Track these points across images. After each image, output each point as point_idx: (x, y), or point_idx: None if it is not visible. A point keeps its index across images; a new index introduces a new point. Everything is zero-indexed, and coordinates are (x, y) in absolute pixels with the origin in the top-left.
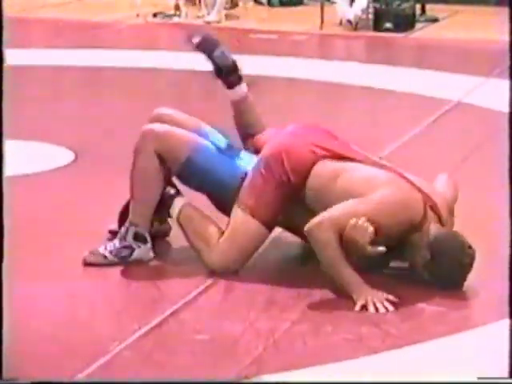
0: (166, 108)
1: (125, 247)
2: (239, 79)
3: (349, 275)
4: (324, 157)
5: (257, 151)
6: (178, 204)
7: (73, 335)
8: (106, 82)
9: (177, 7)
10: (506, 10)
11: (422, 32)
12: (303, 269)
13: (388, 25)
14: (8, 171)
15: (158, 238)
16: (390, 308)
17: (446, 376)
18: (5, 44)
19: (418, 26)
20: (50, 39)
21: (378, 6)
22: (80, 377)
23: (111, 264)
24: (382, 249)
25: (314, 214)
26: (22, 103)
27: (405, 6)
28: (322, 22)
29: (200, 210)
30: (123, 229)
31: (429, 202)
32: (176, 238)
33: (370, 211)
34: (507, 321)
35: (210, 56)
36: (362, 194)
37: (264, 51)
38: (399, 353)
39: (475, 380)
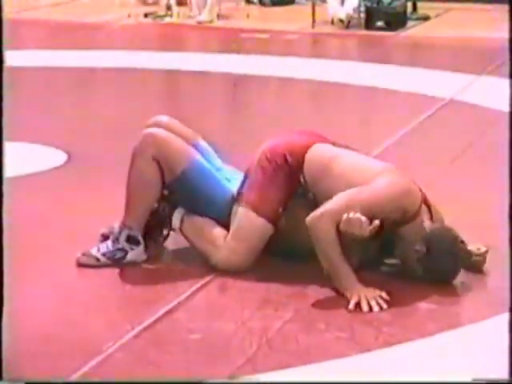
0: (164, 116)
1: (118, 249)
2: None
3: (344, 272)
4: (320, 141)
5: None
6: (178, 215)
7: (67, 335)
8: (99, 83)
9: (168, 7)
10: (497, 7)
11: (413, 30)
12: (296, 268)
13: (379, 23)
14: None
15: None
16: (384, 306)
17: (439, 374)
18: (5, 46)
19: (410, 24)
20: (41, 40)
21: (369, 4)
22: (74, 377)
23: (104, 265)
24: (377, 222)
25: (315, 207)
26: (14, 104)
27: (396, 4)
28: (314, 20)
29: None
30: (117, 230)
31: (423, 195)
32: (169, 239)
33: (373, 199)
34: (500, 317)
35: None
36: (361, 181)
37: (256, 50)
38: (392, 351)
39: (470, 380)
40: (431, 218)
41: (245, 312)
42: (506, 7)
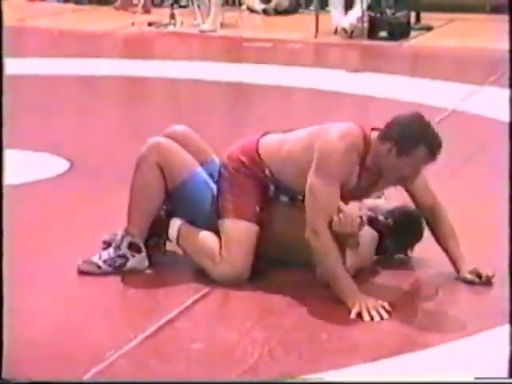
0: (181, 126)
1: (119, 256)
2: None
3: (345, 283)
4: (266, 134)
5: None
6: (174, 226)
7: (68, 343)
8: (102, 91)
9: (172, 16)
10: (500, 18)
11: (416, 40)
12: (298, 277)
13: (383, 33)
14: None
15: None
16: (385, 316)
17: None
18: (5, 54)
19: (413, 34)
20: (44, 49)
21: (372, 14)
22: None
23: (106, 273)
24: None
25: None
26: (17, 112)
27: (399, 14)
28: (317, 30)
29: (196, 228)
30: (119, 238)
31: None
32: (170, 246)
33: (327, 177)
34: (501, 328)
35: None
36: (306, 161)
37: (259, 60)
38: (394, 361)
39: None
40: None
41: (247, 322)
42: (508, 18)
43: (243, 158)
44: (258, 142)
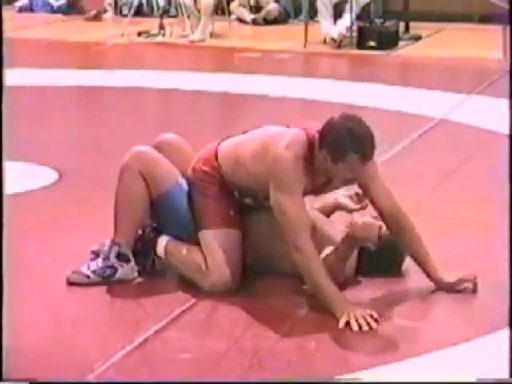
0: (171, 134)
1: (108, 267)
2: None
3: (332, 294)
4: (222, 141)
5: None
6: (161, 243)
7: (56, 354)
8: (91, 101)
9: (161, 26)
10: (488, 28)
11: (405, 50)
12: (286, 287)
13: (371, 43)
14: None
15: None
16: (374, 325)
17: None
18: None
19: (402, 43)
20: (33, 59)
21: (361, 24)
22: None
23: (95, 283)
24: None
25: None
26: (6, 123)
27: (388, 24)
28: (306, 40)
29: (182, 243)
30: (106, 248)
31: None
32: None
33: (286, 189)
34: (494, 335)
35: None
36: (259, 168)
37: (248, 70)
38: (383, 370)
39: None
40: None
41: (235, 331)
42: (497, 28)
43: (205, 168)
44: (217, 148)
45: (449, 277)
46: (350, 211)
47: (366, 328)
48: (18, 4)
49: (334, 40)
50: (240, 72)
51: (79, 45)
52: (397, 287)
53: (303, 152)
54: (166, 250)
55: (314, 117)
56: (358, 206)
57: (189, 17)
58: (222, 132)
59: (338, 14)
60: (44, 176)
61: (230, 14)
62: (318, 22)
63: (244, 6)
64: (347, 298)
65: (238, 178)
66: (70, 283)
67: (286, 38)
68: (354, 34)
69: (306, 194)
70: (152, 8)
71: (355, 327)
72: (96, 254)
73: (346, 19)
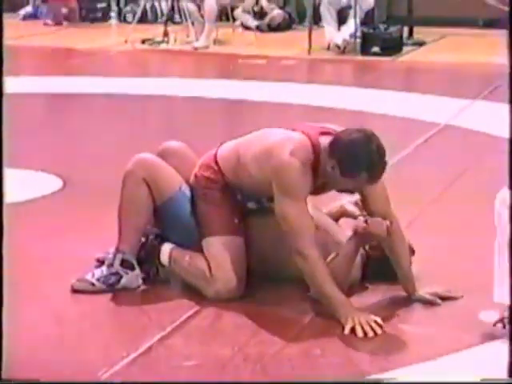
0: (175, 142)
1: (112, 274)
2: None
3: (338, 300)
4: (220, 145)
5: None
6: (165, 251)
7: (61, 361)
8: (95, 109)
9: (165, 33)
10: (493, 32)
11: (409, 55)
12: (290, 293)
13: (376, 49)
14: None
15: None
16: (378, 331)
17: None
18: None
19: (406, 49)
20: (37, 67)
21: (365, 30)
22: None
23: (99, 291)
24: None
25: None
26: (9, 131)
27: (392, 29)
28: (310, 46)
29: (186, 250)
30: (111, 255)
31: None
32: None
33: (291, 196)
34: (495, 343)
35: None
36: (260, 172)
37: (252, 76)
38: (388, 376)
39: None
40: None
41: (239, 338)
42: (501, 32)
43: (206, 173)
44: (216, 153)
45: (423, 293)
46: (356, 218)
47: (371, 334)
48: (21, 12)
49: (338, 46)
50: (244, 78)
51: (83, 52)
52: (402, 293)
53: (308, 158)
54: (170, 258)
55: (320, 123)
56: (364, 213)
57: (193, 23)
58: (226, 139)
59: (342, 19)
60: (48, 183)
61: (234, 20)
62: (322, 27)
63: (248, 13)
64: (353, 304)
65: (239, 179)
66: (75, 291)
67: (290, 44)
68: (358, 40)
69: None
70: (156, 15)
71: (360, 333)
72: (101, 262)
73: (350, 25)
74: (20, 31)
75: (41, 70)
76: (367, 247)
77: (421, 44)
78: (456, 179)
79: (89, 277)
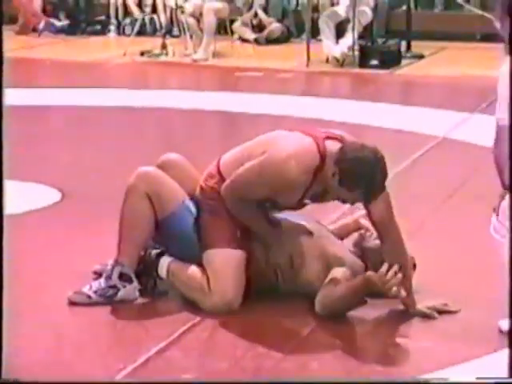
0: (174, 154)
1: (110, 287)
2: None
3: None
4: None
5: None
6: (164, 263)
7: (58, 374)
8: (94, 121)
9: (163, 46)
10: (490, 46)
11: (407, 68)
12: (288, 306)
13: (374, 62)
14: None
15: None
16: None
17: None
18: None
19: (404, 62)
20: (37, 79)
21: (363, 43)
22: None
23: (97, 303)
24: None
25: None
26: (8, 143)
27: (390, 43)
28: (309, 59)
29: (184, 263)
30: (109, 268)
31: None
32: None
33: (263, 176)
34: (494, 355)
35: None
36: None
37: (250, 89)
38: None
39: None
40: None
41: (237, 351)
42: (498, 46)
43: (210, 183)
44: (218, 162)
45: (421, 307)
46: (370, 231)
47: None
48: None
49: (336, 59)
50: (242, 91)
51: (82, 64)
52: (400, 307)
53: (313, 163)
54: (168, 271)
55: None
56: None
57: (191, 36)
58: (224, 151)
59: (340, 33)
60: (47, 196)
61: (232, 33)
62: (320, 40)
63: (246, 26)
64: (352, 315)
65: None
66: (72, 303)
67: (289, 57)
68: (357, 53)
69: (302, 201)
70: (155, 28)
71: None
72: (98, 274)
73: (348, 38)
74: (19, 43)
75: (39, 82)
76: (369, 265)
77: (419, 57)
78: (454, 192)
79: (86, 289)
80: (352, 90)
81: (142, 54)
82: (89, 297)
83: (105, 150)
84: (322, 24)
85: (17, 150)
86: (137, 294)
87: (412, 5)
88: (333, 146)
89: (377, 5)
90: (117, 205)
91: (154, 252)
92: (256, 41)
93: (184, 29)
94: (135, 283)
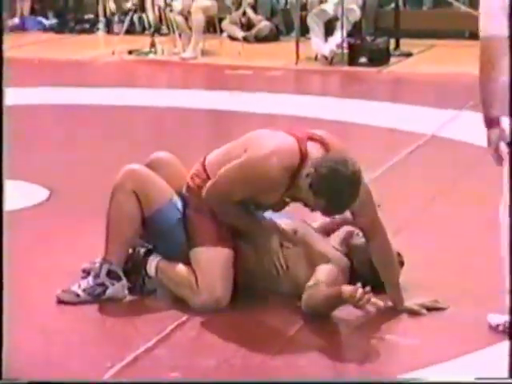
0: (163, 152)
1: (98, 285)
2: None
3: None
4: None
5: None
6: (152, 262)
7: (46, 373)
8: (82, 120)
9: (152, 44)
10: (478, 44)
11: (396, 66)
12: (277, 305)
13: (363, 59)
14: None
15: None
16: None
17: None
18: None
19: (393, 60)
20: (25, 78)
21: (352, 41)
22: None
23: (85, 301)
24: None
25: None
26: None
27: (379, 41)
28: (298, 57)
29: (173, 261)
30: (97, 266)
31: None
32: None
33: (239, 178)
34: (480, 353)
35: None
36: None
37: (240, 87)
38: None
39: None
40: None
41: (225, 349)
42: None
43: (197, 182)
44: (204, 161)
45: (410, 304)
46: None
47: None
48: (8, 23)
49: (325, 57)
50: (231, 89)
51: (70, 63)
52: (388, 304)
53: (292, 163)
54: (156, 269)
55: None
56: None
57: (180, 35)
58: (212, 150)
59: (329, 31)
60: (35, 194)
61: (221, 31)
62: (309, 38)
63: (235, 24)
64: (340, 313)
65: None
66: (60, 302)
67: (278, 55)
68: (346, 51)
69: (284, 199)
70: (144, 26)
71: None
72: (87, 273)
73: (337, 36)
74: (6, 42)
75: (27, 81)
76: (355, 262)
77: (407, 55)
78: (443, 189)
79: (75, 288)
80: (341, 88)
81: (131, 52)
82: (77, 295)
83: (93, 149)
84: (310, 22)
85: (4, 148)
86: (125, 291)
87: (400, 3)
88: (314, 148)
89: (365, 3)
90: (105, 203)
91: (143, 250)
92: (245, 39)
93: (173, 27)
94: (124, 281)
